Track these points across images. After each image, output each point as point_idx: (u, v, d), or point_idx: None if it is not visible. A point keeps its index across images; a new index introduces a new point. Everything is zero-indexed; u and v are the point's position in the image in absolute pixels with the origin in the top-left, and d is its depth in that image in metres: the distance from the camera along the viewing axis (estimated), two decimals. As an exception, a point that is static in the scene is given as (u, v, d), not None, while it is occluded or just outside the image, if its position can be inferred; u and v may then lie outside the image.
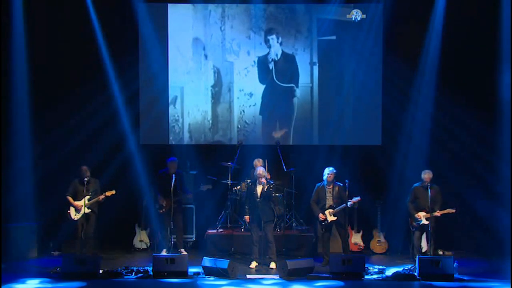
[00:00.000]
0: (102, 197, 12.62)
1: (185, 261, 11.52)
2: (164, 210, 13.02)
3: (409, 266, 11.93)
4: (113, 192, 12.64)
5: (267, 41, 14.69)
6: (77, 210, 12.64)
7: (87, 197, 12.64)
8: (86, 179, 12.62)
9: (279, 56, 14.69)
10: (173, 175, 12.92)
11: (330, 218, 12.44)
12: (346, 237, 12.76)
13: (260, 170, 12.39)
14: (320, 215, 12.42)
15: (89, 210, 12.67)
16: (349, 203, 12.34)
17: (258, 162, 13.54)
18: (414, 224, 12.49)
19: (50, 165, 13.87)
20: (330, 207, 12.46)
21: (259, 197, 12.29)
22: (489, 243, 13.16)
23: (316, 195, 12.56)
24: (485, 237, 13.29)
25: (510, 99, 13.10)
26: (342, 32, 14.49)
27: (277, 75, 14.68)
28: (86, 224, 12.68)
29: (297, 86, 14.68)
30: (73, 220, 12.68)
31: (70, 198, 12.71)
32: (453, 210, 12.24)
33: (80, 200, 12.66)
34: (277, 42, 14.66)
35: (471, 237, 13.58)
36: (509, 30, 13.18)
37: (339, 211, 12.44)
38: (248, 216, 12.46)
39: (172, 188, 12.79)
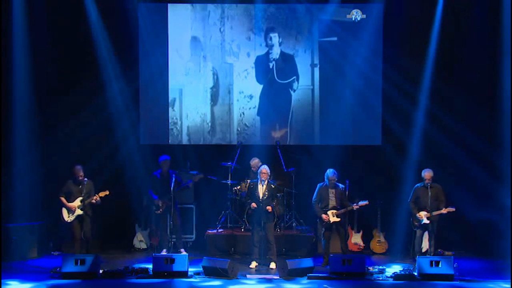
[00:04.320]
0: (95, 198, 12.54)
1: (185, 261, 11.52)
2: (161, 210, 13.01)
3: (409, 266, 11.92)
4: (107, 192, 12.57)
5: (268, 40, 14.66)
6: (70, 211, 12.61)
7: (80, 198, 12.60)
8: (79, 178, 12.59)
9: (278, 55, 14.69)
10: (173, 175, 12.93)
11: (333, 219, 12.44)
12: (345, 237, 12.75)
13: (264, 168, 12.38)
14: (323, 215, 12.42)
15: (82, 211, 12.61)
16: (355, 207, 12.36)
17: (254, 162, 13.58)
18: (416, 224, 12.50)
19: (50, 165, 13.86)
20: (333, 208, 12.46)
21: (261, 198, 12.29)
22: (489, 243, 13.19)
23: (319, 195, 12.56)
24: (485, 237, 13.31)
25: (511, 97, 13.14)
26: (342, 32, 14.48)
27: (277, 74, 14.67)
28: (82, 226, 12.63)
29: (298, 82, 14.66)
30: (66, 222, 12.64)
31: (63, 199, 12.63)
32: (453, 209, 12.26)
33: (73, 201, 12.63)
34: (278, 41, 14.65)
35: (471, 237, 13.57)
36: (509, 28, 13.20)
37: (343, 213, 12.45)
38: (254, 203, 12.38)
39: (172, 189, 12.79)
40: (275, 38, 14.65)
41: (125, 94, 14.45)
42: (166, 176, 13.06)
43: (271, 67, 14.70)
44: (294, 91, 14.67)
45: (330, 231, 12.61)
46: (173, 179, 12.84)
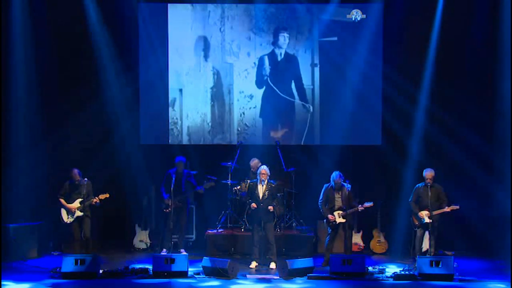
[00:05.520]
0: (95, 200, 12.54)
1: (185, 261, 11.52)
2: (169, 209, 12.99)
3: (409, 266, 11.93)
4: (107, 195, 12.59)
5: (281, 39, 14.64)
6: (70, 213, 12.61)
7: (79, 199, 12.60)
8: (76, 182, 12.59)
9: (282, 55, 14.68)
10: (173, 175, 12.94)
11: (339, 220, 12.45)
12: (350, 237, 12.74)
13: (263, 169, 12.37)
14: (330, 216, 12.43)
15: (82, 213, 12.61)
16: (359, 208, 12.38)
17: (254, 162, 13.59)
18: (417, 223, 12.49)
19: (50, 165, 13.90)
20: (340, 208, 12.47)
21: (261, 198, 12.29)
22: (489, 243, 13.20)
23: (325, 196, 12.57)
24: (485, 237, 13.32)
25: (511, 98, 13.13)
26: (342, 32, 14.50)
27: (280, 84, 14.67)
28: (82, 226, 12.64)
29: (298, 96, 14.65)
30: (65, 223, 12.65)
31: (62, 200, 12.65)
32: (457, 207, 12.26)
33: (72, 202, 12.63)
34: (287, 42, 14.63)
35: (471, 237, 13.57)
36: (509, 28, 13.19)
37: (349, 214, 12.46)
38: (254, 203, 12.36)
39: (172, 188, 12.80)
40: (287, 37, 14.62)
41: (125, 94, 14.47)
42: (180, 176, 13.08)
43: (267, 78, 14.67)
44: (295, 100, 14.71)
45: (335, 232, 12.62)
46: (173, 179, 12.84)
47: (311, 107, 14.67)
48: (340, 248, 12.85)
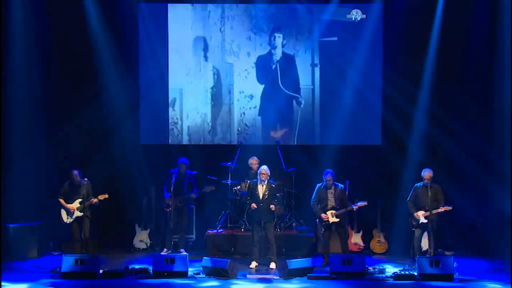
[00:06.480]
0: (94, 200, 12.57)
1: (185, 261, 11.53)
2: (170, 209, 12.99)
3: (409, 266, 11.93)
4: (106, 196, 12.61)
5: (272, 40, 14.65)
6: (69, 213, 12.62)
7: (79, 200, 12.61)
8: (76, 183, 12.60)
9: (280, 56, 14.69)
10: (175, 175, 12.95)
11: (332, 219, 12.45)
12: (345, 237, 12.76)
13: (264, 169, 12.36)
14: (323, 215, 12.43)
15: (81, 213, 12.62)
16: (354, 207, 12.37)
17: (253, 161, 13.58)
18: (414, 223, 12.50)
19: (50, 165, 13.90)
20: (332, 208, 12.47)
21: (261, 198, 12.29)
22: (489, 243, 13.20)
23: (317, 196, 12.57)
24: (485, 237, 13.32)
25: (511, 98, 13.13)
26: (342, 32, 14.50)
27: (281, 79, 14.66)
28: (81, 226, 12.65)
29: (299, 93, 14.65)
30: (65, 223, 12.67)
31: (62, 200, 12.68)
32: (450, 208, 12.26)
33: (72, 202, 12.64)
34: (282, 42, 14.64)
35: (471, 237, 13.57)
36: (509, 28, 13.19)
37: (342, 213, 12.46)
38: (255, 204, 12.36)
39: (172, 188, 12.81)
40: (279, 38, 14.63)
41: (125, 94, 14.46)
42: (182, 177, 13.10)
43: (273, 68, 14.69)
44: (296, 100, 14.70)
45: (329, 231, 12.62)
46: (174, 180, 12.86)
47: (302, 101, 14.66)
48: (339, 248, 12.85)
